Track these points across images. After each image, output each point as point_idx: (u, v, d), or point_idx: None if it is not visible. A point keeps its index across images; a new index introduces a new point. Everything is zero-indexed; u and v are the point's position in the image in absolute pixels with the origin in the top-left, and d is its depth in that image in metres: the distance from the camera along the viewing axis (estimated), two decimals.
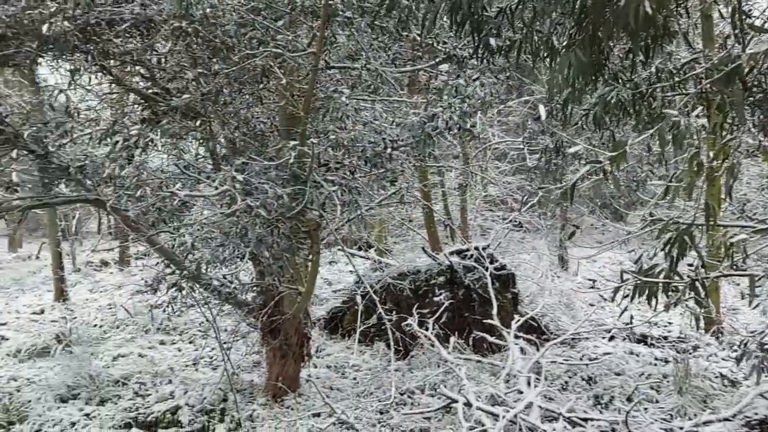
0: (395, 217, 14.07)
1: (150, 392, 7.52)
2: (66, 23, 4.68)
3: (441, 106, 5.05)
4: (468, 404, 5.81)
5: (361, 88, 6.50)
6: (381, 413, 6.82)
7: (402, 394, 7.13)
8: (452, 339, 7.65)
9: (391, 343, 6.48)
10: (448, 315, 8.40)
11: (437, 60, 5.69)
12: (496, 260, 9.42)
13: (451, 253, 9.52)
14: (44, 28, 4.65)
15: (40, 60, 5.79)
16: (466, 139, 11.39)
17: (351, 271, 14.61)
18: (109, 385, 7.65)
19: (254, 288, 7.33)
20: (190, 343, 10.08)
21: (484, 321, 7.95)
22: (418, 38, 5.74)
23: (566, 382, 7.70)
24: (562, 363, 7.76)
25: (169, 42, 5.25)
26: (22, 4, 4.74)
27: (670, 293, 4.69)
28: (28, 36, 4.89)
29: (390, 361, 7.16)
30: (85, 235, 24.28)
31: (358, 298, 7.75)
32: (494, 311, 7.80)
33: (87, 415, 6.92)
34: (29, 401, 7.24)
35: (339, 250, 13.00)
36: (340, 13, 5.24)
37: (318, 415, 6.72)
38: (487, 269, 8.74)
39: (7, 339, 10.42)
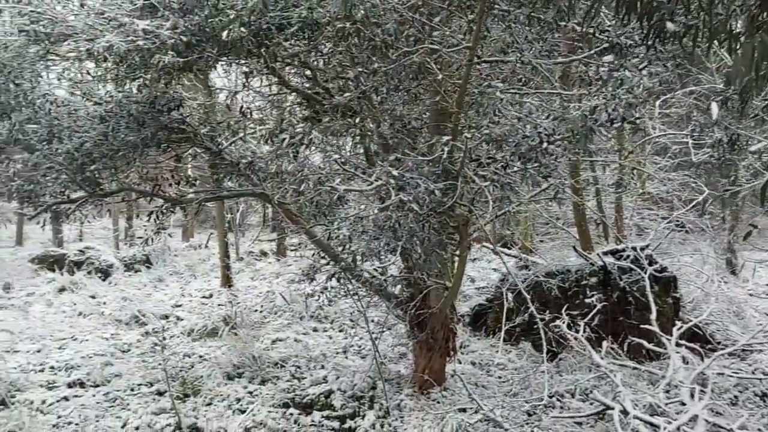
0: (542, 214, 13.65)
1: (305, 375, 7.99)
2: (242, 29, 5.09)
3: (603, 98, 4.81)
4: (624, 412, 5.52)
5: (509, 82, 6.38)
6: (528, 414, 6.70)
7: (551, 397, 6.93)
8: (605, 343, 7.31)
9: (544, 344, 6.31)
10: (601, 318, 8.03)
11: (599, 49, 5.42)
12: (656, 262, 8.82)
13: (605, 253, 9.06)
14: (224, 34, 5.11)
15: (216, 65, 6.36)
16: (629, 133, 10.76)
17: (494, 269, 14.46)
18: (269, 366, 8.25)
19: (403, 281, 7.49)
20: (340, 331, 10.55)
21: (642, 326, 7.51)
22: (577, 28, 5.51)
23: (736, 397, 7.07)
24: (732, 376, 7.13)
25: (331, 43, 5.53)
26: (205, 13, 5.24)
27: None
28: (209, 42, 5.39)
29: (541, 362, 6.98)
30: (247, 227, 26.31)
31: (508, 296, 7.62)
32: (653, 316, 7.36)
33: (250, 392, 7.49)
34: (201, 377, 7.99)
35: (485, 246, 12.88)
36: (497, 6, 5.18)
37: (464, 410, 6.72)
38: (645, 271, 8.23)
39: (182, 320, 11.59)
